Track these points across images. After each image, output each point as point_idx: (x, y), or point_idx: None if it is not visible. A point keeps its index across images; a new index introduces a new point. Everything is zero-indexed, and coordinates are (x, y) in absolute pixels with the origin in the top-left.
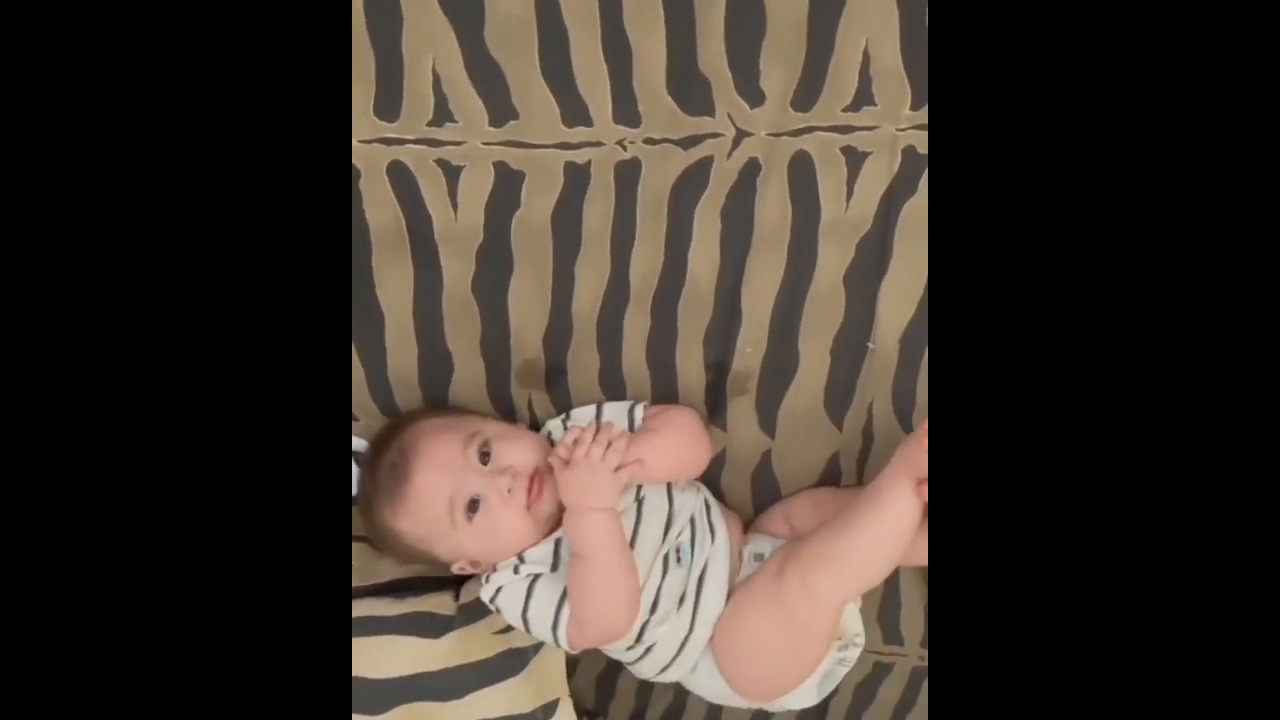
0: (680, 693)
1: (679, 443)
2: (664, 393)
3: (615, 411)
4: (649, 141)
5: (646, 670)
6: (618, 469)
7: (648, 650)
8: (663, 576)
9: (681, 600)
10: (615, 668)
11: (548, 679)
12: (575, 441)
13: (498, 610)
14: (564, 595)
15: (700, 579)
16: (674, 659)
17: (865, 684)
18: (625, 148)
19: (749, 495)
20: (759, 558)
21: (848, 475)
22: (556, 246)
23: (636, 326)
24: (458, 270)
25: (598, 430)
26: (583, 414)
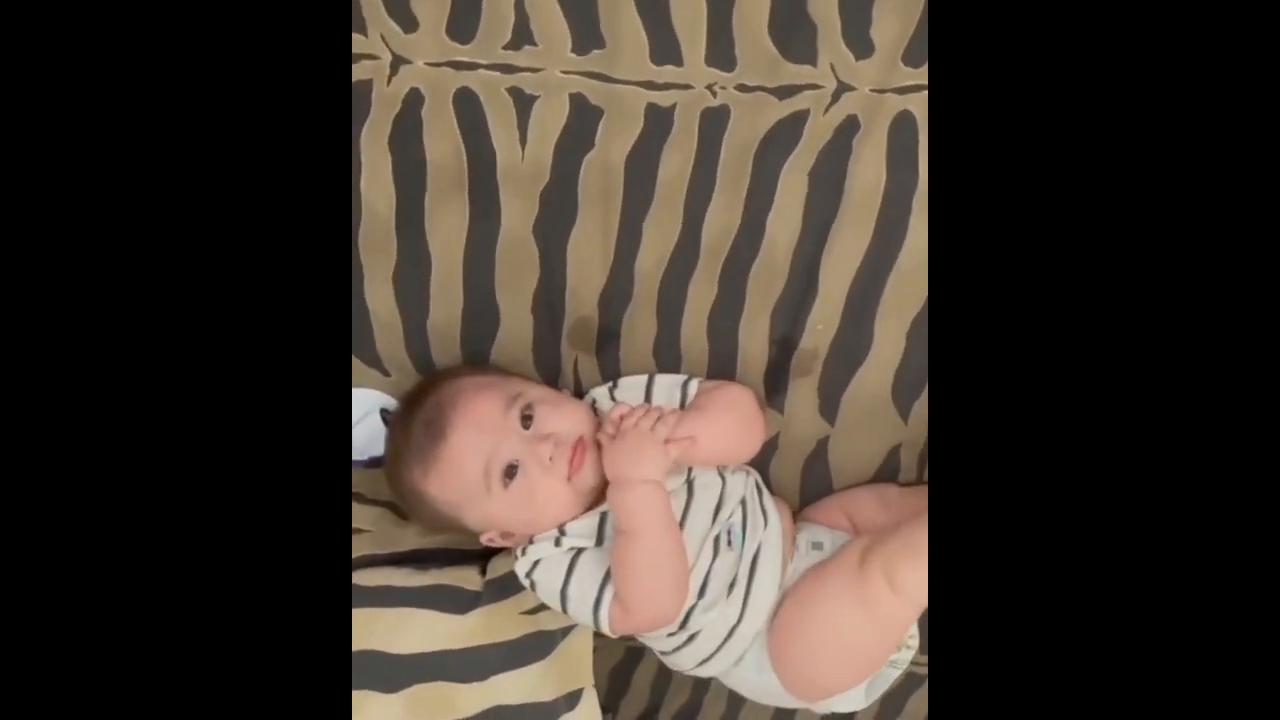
0: (698, 690)
1: (732, 424)
2: (722, 367)
3: (667, 385)
4: (741, 88)
5: (685, 661)
6: (667, 442)
7: (691, 638)
8: (713, 559)
9: (731, 586)
10: (632, 661)
11: (574, 666)
12: (623, 416)
13: (532, 586)
14: (608, 574)
15: (753, 565)
16: (719, 649)
17: (894, 694)
18: (715, 93)
19: (798, 485)
20: (817, 546)
21: (906, 471)
22: (627, 196)
23: (701, 292)
24: (518, 212)
25: (648, 408)
26: (631, 384)
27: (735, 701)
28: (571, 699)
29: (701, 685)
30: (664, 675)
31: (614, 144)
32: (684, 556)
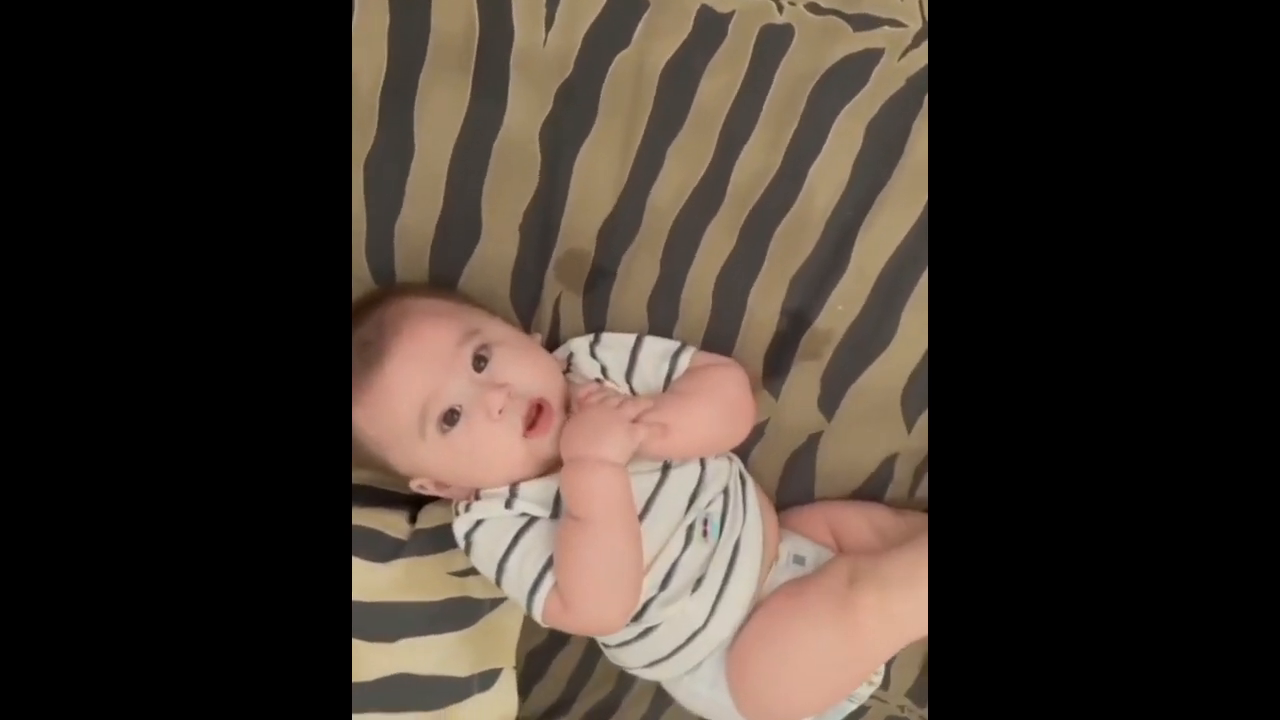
0: (619, 688)
1: (714, 415)
2: (722, 332)
3: (656, 352)
4: (813, 8)
5: (634, 658)
6: (635, 420)
7: (646, 632)
8: (683, 549)
9: (699, 583)
10: (555, 646)
11: (497, 642)
12: (590, 394)
13: (468, 548)
14: (549, 563)
15: (729, 564)
16: (677, 651)
17: None
18: (781, 8)
19: (777, 480)
20: (799, 560)
21: (899, 485)
22: (656, 111)
23: (717, 241)
24: (526, 107)
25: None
26: (616, 342)
27: (659, 704)
28: (487, 678)
29: (625, 682)
30: (585, 666)
31: (653, 46)
32: (639, 554)
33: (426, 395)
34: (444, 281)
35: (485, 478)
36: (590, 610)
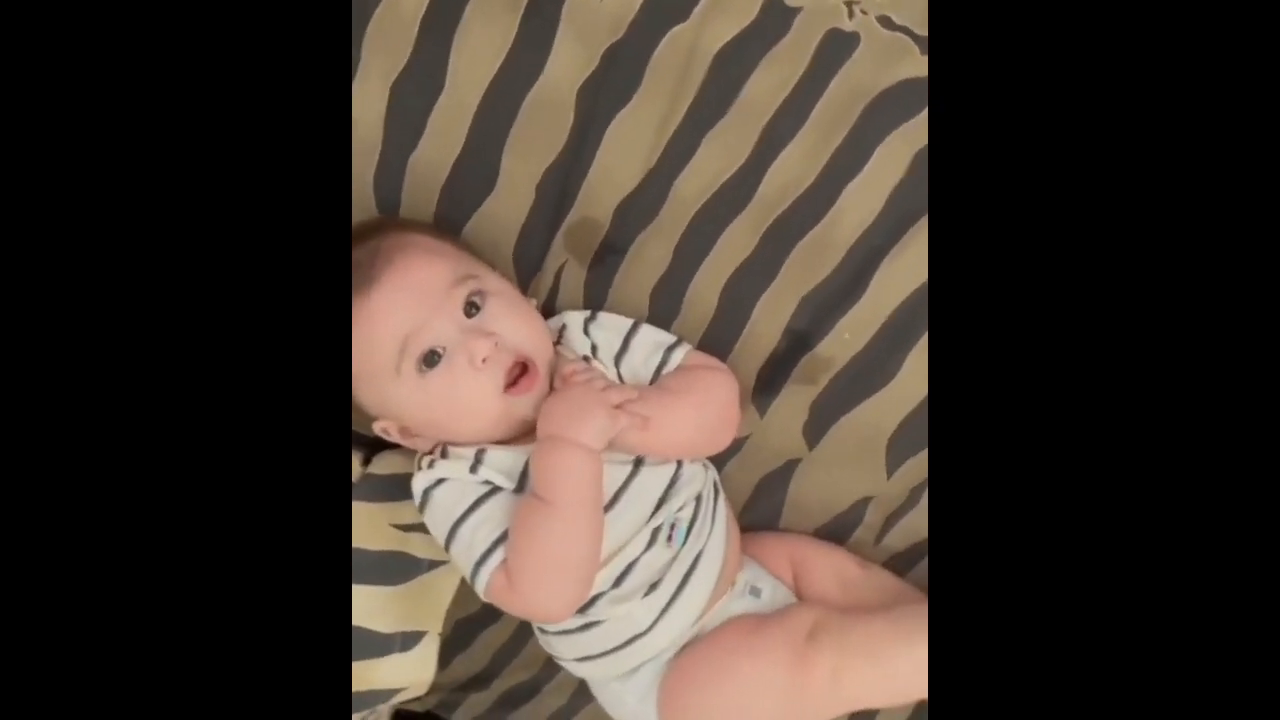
0: (543, 675)
1: (700, 418)
2: (721, 337)
3: (650, 342)
4: (885, 21)
5: (569, 649)
6: (617, 407)
7: (587, 626)
8: (644, 550)
9: (652, 588)
10: (486, 618)
11: (427, 605)
12: (575, 372)
13: (423, 505)
14: (503, 537)
15: (686, 575)
16: (613, 651)
17: None
18: (852, 14)
19: (745, 499)
20: (755, 592)
21: (867, 529)
22: (700, 96)
23: (736, 242)
24: (570, 61)
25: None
26: (612, 323)
27: (578, 700)
28: (409, 639)
29: (549, 670)
30: (513, 645)
31: (712, 26)
32: (597, 546)
33: (410, 330)
34: (449, 225)
35: (455, 429)
36: (536, 594)
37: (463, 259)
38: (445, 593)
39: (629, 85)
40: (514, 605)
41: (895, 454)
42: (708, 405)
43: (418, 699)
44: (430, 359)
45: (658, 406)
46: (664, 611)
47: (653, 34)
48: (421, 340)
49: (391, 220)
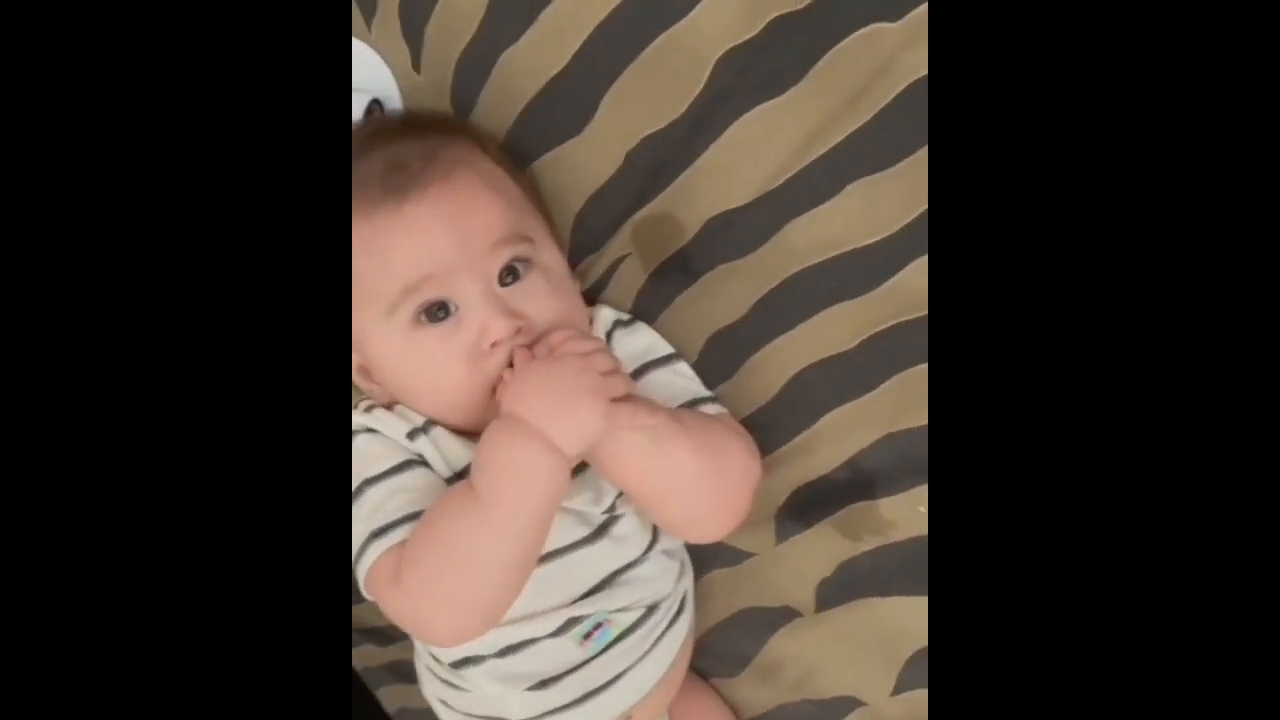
0: None
1: (702, 466)
2: (769, 428)
3: (679, 384)
4: None
5: (429, 685)
6: (616, 400)
7: (452, 685)
8: (548, 635)
9: (542, 684)
10: None
11: None
12: (569, 338)
13: None
14: (419, 516)
15: (589, 692)
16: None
17: None
18: None
19: (710, 623)
20: None
21: None
22: (873, 125)
23: (830, 331)
24: (726, 19)
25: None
26: (646, 342)
27: None
28: None
29: None
30: None
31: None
32: (521, 576)
33: (429, 272)
34: (522, 154)
35: (417, 400)
36: (422, 601)
37: (525, 211)
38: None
39: (787, 74)
40: (392, 603)
41: (912, 673)
42: (719, 461)
43: None
44: (435, 312)
45: (661, 421)
46: (542, 717)
47: (847, 20)
48: (436, 288)
49: (462, 123)
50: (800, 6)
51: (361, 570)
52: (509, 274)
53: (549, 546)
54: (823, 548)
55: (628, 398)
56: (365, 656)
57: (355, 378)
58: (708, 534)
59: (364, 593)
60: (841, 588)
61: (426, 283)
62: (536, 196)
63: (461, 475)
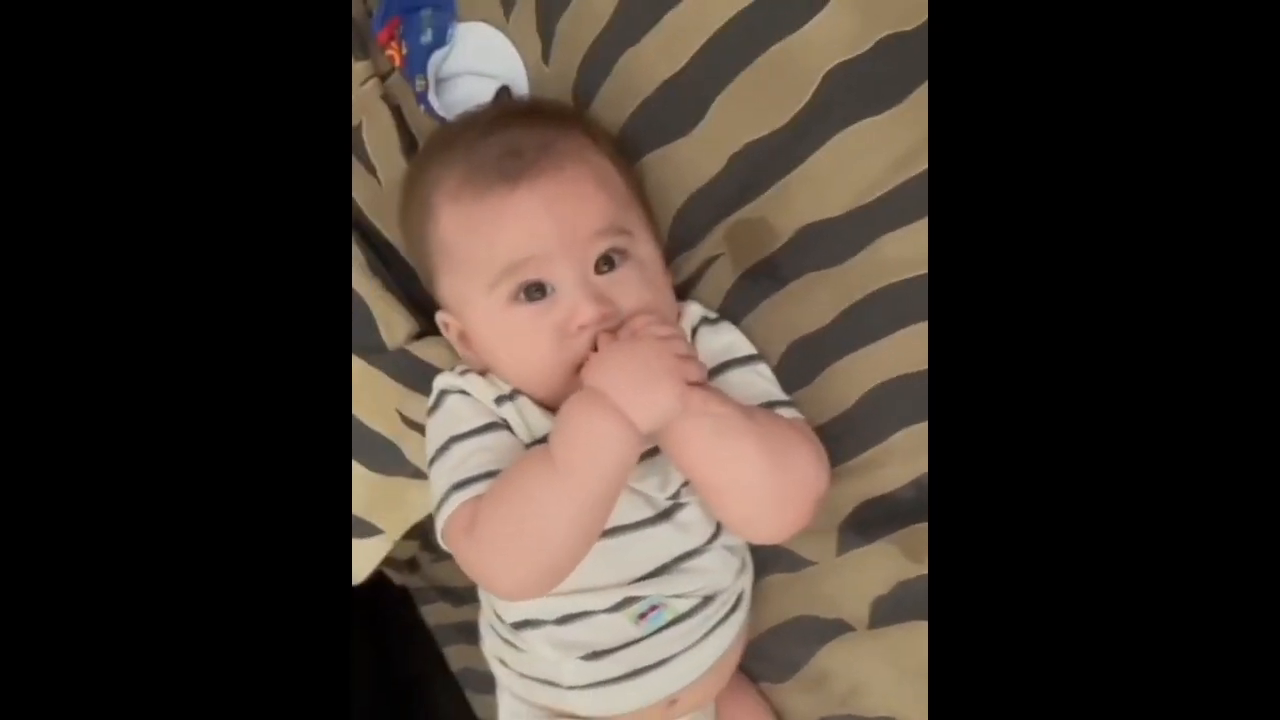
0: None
1: (766, 465)
2: (841, 440)
3: (761, 382)
4: None
5: (490, 646)
6: (692, 384)
7: (510, 644)
8: (605, 610)
9: (595, 655)
10: None
11: (396, 509)
12: (649, 323)
13: (433, 408)
14: (494, 474)
15: (637, 670)
16: (526, 678)
17: None
18: None
19: (763, 628)
20: None
21: None
22: None
23: (911, 349)
24: (839, 31)
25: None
26: (729, 342)
27: None
28: (363, 528)
29: None
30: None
31: None
32: (587, 542)
33: (530, 255)
34: (633, 149)
35: (505, 369)
36: (491, 554)
37: (627, 204)
38: (416, 509)
39: (892, 92)
40: (464, 552)
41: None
42: (783, 462)
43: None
44: (531, 292)
45: (733, 412)
46: (592, 686)
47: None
48: (535, 270)
49: (580, 116)
50: (908, 27)
51: (441, 519)
52: (605, 263)
53: (613, 522)
54: (882, 565)
55: (702, 385)
56: (438, 614)
57: (457, 344)
58: (764, 534)
59: (440, 541)
60: (897, 607)
61: (527, 264)
62: (641, 191)
63: (541, 442)
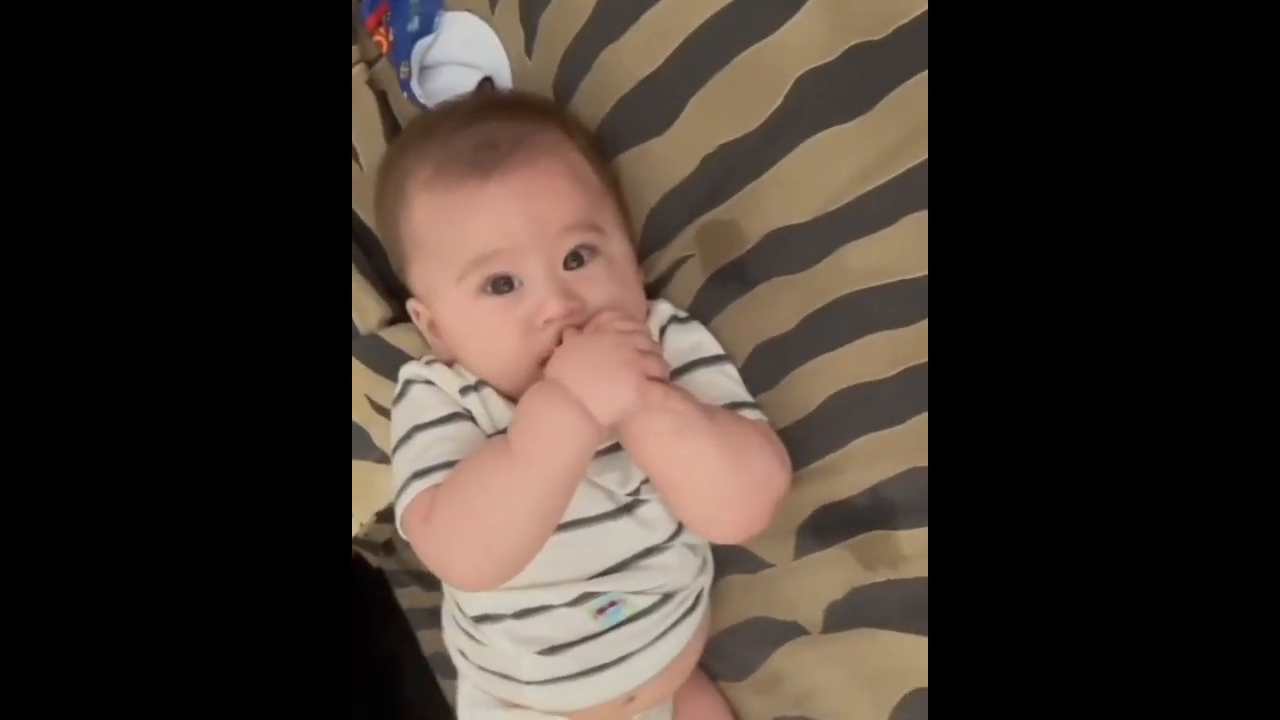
0: None
1: (725, 464)
2: (800, 444)
3: (726, 382)
4: None
5: (451, 637)
6: (654, 380)
7: (470, 636)
8: (564, 604)
9: (552, 650)
10: None
11: (363, 491)
12: (613, 319)
13: (398, 397)
14: (454, 464)
15: (596, 667)
16: (480, 672)
17: None
18: None
19: (719, 627)
20: None
21: None
22: None
23: (874, 358)
24: (810, 38)
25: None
26: (696, 342)
27: None
28: None
29: None
30: None
31: None
32: (543, 533)
33: (499, 248)
34: (609, 146)
35: (471, 361)
36: (447, 543)
37: (600, 201)
38: (383, 493)
39: (860, 101)
40: (421, 541)
41: (906, 714)
42: (742, 462)
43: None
44: (499, 285)
45: (691, 412)
46: (550, 682)
47: (920, 57)
48: (503, 263)
49: (558, 111)
50: (877, 36)
51: (400, 507)
52: (574, 259)
53: (572, 515)
54: (837, 570)
55: (663, 381)
56: (411, 598)
57: (426, 333)
58: (723, 533)
59: (399, 529)
60: (850, 613)
61: (496, 257)
62: (617, 188)
63: (503, 433)
